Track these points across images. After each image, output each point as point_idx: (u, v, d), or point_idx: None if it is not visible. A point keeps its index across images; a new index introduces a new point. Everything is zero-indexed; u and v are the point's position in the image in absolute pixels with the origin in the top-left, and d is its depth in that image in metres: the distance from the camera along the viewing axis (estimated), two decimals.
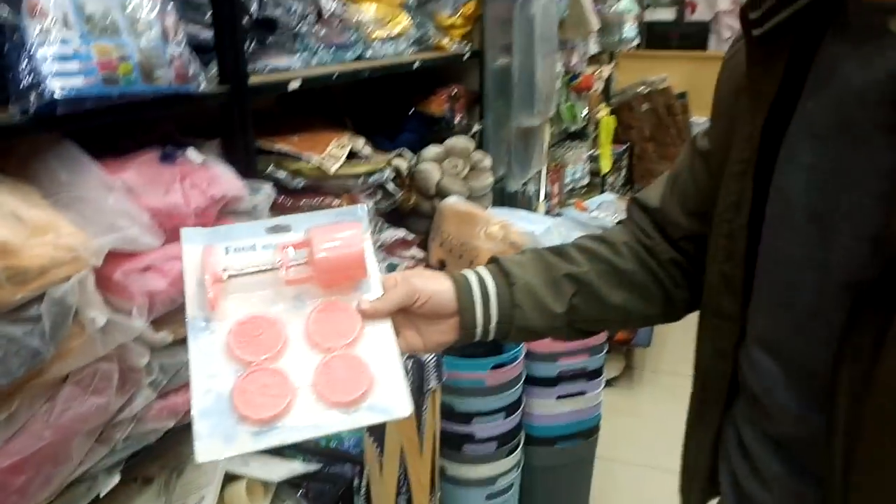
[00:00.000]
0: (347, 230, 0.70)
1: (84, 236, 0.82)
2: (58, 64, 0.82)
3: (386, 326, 0.70)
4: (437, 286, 0.76)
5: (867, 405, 0.52)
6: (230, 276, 0.67)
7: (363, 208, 0.75)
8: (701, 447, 0.77)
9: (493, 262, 0.82)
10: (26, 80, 0.81)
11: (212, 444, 0.60)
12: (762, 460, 0.67)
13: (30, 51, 0.81)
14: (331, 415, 0.63)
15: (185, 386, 1.08)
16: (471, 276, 0.79)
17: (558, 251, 0.83)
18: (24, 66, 0.81)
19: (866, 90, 0.54)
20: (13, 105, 0.82)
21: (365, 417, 0.64)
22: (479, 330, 0.78)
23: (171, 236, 1.00)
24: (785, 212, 0.61)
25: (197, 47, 1.13)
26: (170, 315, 1.00)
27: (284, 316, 0.68)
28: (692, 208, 0.79)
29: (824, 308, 0.57)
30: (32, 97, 0.80)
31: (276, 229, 0.72)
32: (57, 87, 0.81)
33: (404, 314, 0.73)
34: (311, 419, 0.63)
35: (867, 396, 0.52)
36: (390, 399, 0.65)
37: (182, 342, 1.05)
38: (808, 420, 0.60)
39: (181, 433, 1.17)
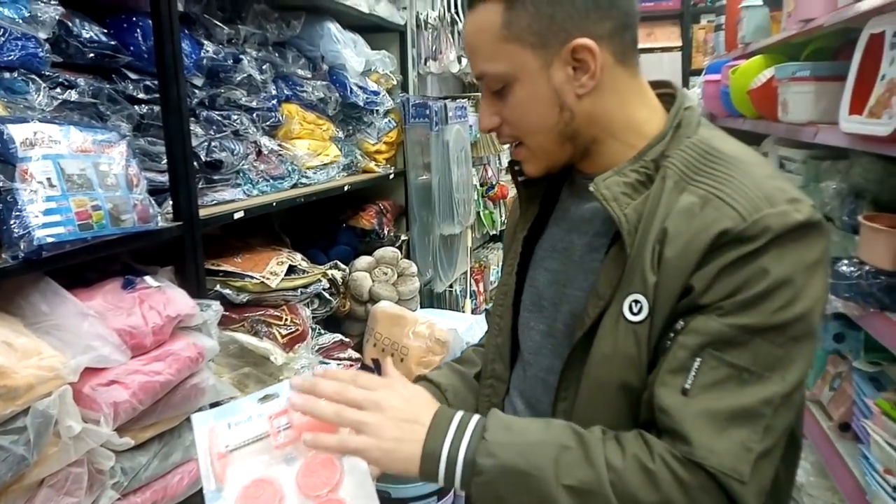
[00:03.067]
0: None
1: (63, 357, 0.99)
2: (44, 217, 1.01)
3: (362, 466, 0.82)
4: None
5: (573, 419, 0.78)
6: (231, 451, 0.84)
7: (287, 384, 0.90)
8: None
9: (423, 378, 1.00)
10: (17, 232, 0.99)
11: None
12: None
13: (21, 208, 0.99)
14: None
15: (143, 487, 1.21)
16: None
17: (460, 360, 1.06)
18: (14, 221, 0.99)
19: (580, 224, 0.85)
20: (5, 252, 0.99)
21: None
22: None
23: (133, 352, 1.17)
24: (536, 299, 0.89)
25: (153, 189, 1.34)
26: (130, 422, 1.15)
27: (279, 475, 0.83)
28: None
29: (554, 366, 0.84)
30: (22, 245, 0.98)
31: (266, 398, 0.87)
32: (44, 235, 0.99)
33: None
34: None
35: (571, 417, 0.79)
36: None
37: (140, 447, 1.20)
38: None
39: None
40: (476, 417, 0.76)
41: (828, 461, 1.72)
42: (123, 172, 1.19)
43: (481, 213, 3.13)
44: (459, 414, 0.76)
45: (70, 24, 1.18)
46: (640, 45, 0.84)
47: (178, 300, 1.28)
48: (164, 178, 1.37)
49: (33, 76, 1.11)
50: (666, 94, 0.85)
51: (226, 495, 0.81)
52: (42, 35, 1.08)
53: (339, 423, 0.77)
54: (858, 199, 1.68)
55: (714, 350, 0.69)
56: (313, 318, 1.84)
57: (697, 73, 4.72)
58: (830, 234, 1.67)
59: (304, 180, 1.89)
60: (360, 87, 2.14)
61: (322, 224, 2.31)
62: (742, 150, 0.79)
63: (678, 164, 0.76)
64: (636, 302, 0.74)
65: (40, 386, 0.94)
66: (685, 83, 5.22)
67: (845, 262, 1.45)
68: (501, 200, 3.26)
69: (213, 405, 1.39)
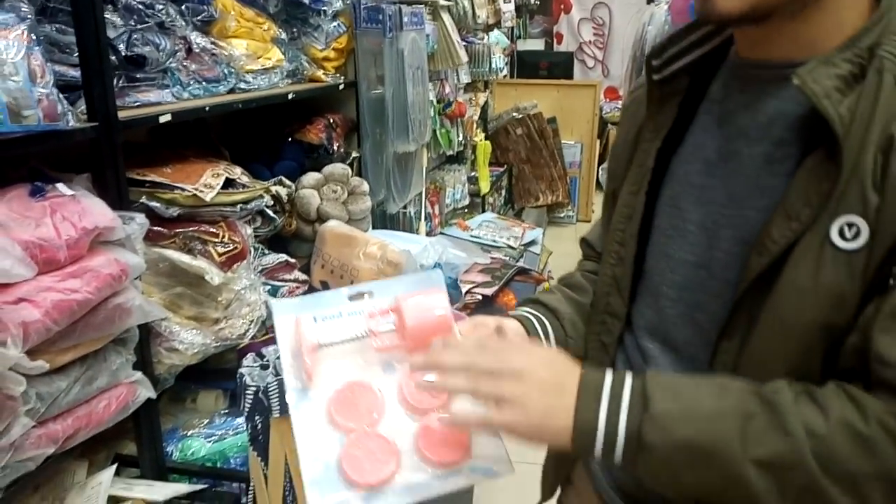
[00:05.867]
0: (433, 297, 0.75)
1: None
2: None
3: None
4: (507, 324, 0.81)
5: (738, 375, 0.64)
6: (322, 346, 0.71)
7: (439, 273, 0.79)
8: None
9: (535, 301, 0.89)
10: None
11: None
12: None
13: None
14: (436, 476, 0.66)
15: (64, 413, 1.12)
16: (527, 314, 0.85)
17: (570, 284, 0.93)
18: None
19: (750, 130, 0.69)
20: None
21: (468, 477, 0.67)
22: None
23: (44, 268, 1.04)
24: (678, 223, 0.75)
25: (66, 85, 1.18)
26: (45, 344, 1.04)
27: (377, 381, 0.71)
28: None
29: (708, 303, 0.71)
30: None
31: (357, 296, 0.76)
32: None
33: None
34: (417, 481, 0.66)
35: (737, 369, 0.66)
36: (491, 458, 0.68)
37: (59, 370, 1.10)
38: None
39: (62, 460, 1.19)
40: (629, 380, 0.64)
41: None
42: (24, 62, 1.02)
43: (437, 132, 2.99)
44: (609, 377, 0.64)
45: None
46: None
47: (95, 211, 1.15)
48: (77, 73, 1.21)
49: None
50: None
51: (314, 396, 0.69)
52: None
53: (476, 397, 0.64)
54: None
55: None
56: (256, 237, 1.72)
57: None
58: None
59: (242, 85, 1.72)
60: None
61: (266, 137, 2.15)
62: None
63: None
64: (850, 225, 0.59)
65: None
66: None
67: None
68: (459, 119, 3.12)
69: (142, 327, 1.29)
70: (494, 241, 3.10)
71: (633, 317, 0.81)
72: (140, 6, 1.36)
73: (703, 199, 0.72)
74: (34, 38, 1.06)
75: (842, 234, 0.60)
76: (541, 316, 0.86)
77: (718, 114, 0.74)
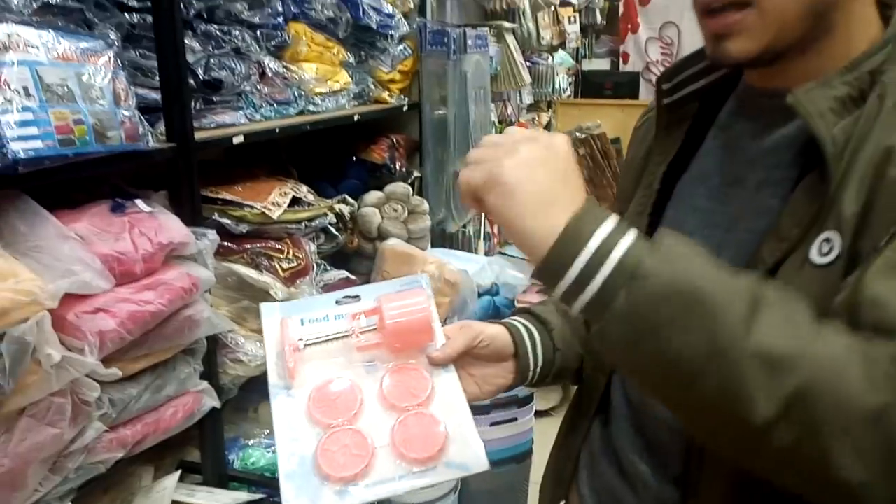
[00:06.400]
0: (414, 297, 0.76)
1: (41, 281, 0.92)
2: (19, 129, 0.92)
3: (455, 384, 0.73)
4: (494, 330, 0.81)
5: None
6: (306, 345, 0.73)
7: (425, 278, 0.82)
8: (570, 455, 0.87)
9: (527, 311, 0.89)
10: None
11: (298, 501, 0.64)
12: (631, 463, 0.78)
13: None
14: (409, 472, 0.67)
15: (134, 419, 1.17)
16: (516, 323, 0.85)
17: None
18: None
19: (755, 157, 0.70)
20: None
21: (443, 474, 0.68)
22: (531, 373, 0.82)
23: (121, 280, 1.10)
24: None
25: (146, 107, 1.25)
26: (119, 352, 1.09)
27: (358, 380, 0.73)
28: None
29: None
30: None
31: (345, 300, 0.78)
32: (19, 149, 0.91)
33: (464, 361, 0.78)
34: (391, 477, 0.67)
35: None
36: (466, 455, 0.69)
37: (131, 378, 1.15)
38: (678, 427, 0.70)
39: (130, 464, 1.25)
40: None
41: None
42: (110, 85, 1.09)
43: None
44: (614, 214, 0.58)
45: None
46: None
47: (171, 227, 1.21)
48: (158, 95, 1.28)
49: None
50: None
51: (296, 394, 0.71)
52: None
53: (478, 165, 0.59)
54: None
55: None
56: (319, 253, 1.76)
57: None
58: None
59: (311, 107, 1.78)
60: (374, 9, 2.00)
61: (331, 156, 2.22)
62: None
63: None
64: (827, 240, 0.59)
65: (16, 311, 0.88)
66: None
67: None
68: None
69: (209, 339, 1.34)
70: None
71: None
72: (218, 32, 1.43)
73: (707, 223, 0.72)
74: (119, 63, 1.14)
75: (820, 250, 0.59)
76: (529, 325, 0.85)
77: (725, 140, 0.74)
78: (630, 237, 0.55)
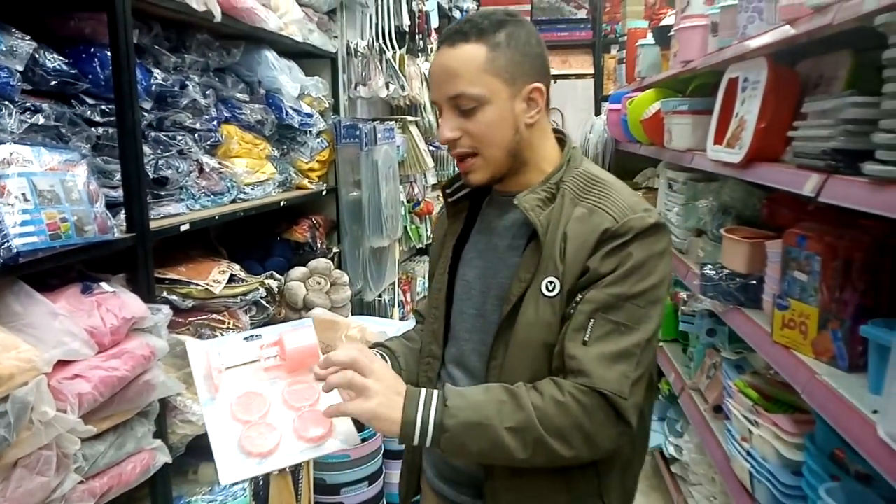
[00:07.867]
0: (305, 332, 1.09)
1: (38, 351, 1.12)
2: (20, 227, 1.14)
3: (334, 391, 1.01)
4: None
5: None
6: (227, 368, 1.04)
7: (308, 320, 1.14)
8: (416, 450, 1.26)
9: (381, 345, 1.24)
10: None
11: (231, 471, 0.94)
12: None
13: (0, 220, 1.12)
14: (308, 447, 0.99)
15: (101, 473, 1.34)
16: (377, 351, 1.19)
17: (407, 336, 1.31)
18: None
19: (501, 231, 1.13)
20: None
21: (331, 446, 1.01)
22: None
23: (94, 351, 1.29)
24: (467, 290, 1.16)
25: (109, 203, 1.47)
26: (89, 414, 1.28)
27: (265, 391, 1.03)
28: None
29: (485, 338, 1.10)
30: (1, 252, 1.11)
31: (251, 338, 1.09)
32: (20, 244, 1.12)
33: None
34: (295, 450, 0.98)
35: (501, 377, 1.04)
36: (344, 434, 1.02)
37: (98, 436, 1.33)
38: None
39: None
40: (435, 392, 0.99)
41: (704, 440, 2.01)
42: (85, 189, 1.32)
43: (408, 228, 3.33)
44: (425, 391, 0.99)
45: (37, 56, 1.31)
46: (557, 72, 1.17)
47: (131, 304, 1.42)
48: (117, 193, 1.51)
49: (6, 102, 1.23)
50: (558, 136, 1.16)
51: (219, 402, 1.01)
52: (18, 67, 1.21)
53: (348, 387, 0.97)
54: (726, 214, 1.99)
55: (602, 313, 0.99)
56: (252, 324, 1.98)
57: (608, 98, 5.11)
58: (705, 244, 1.97)
59: (242, 196, 2.04)
60: (295, 110, 2.31)
61: (258, 237, 2.45)
62: (611, 177, 1.11)
63: (572, 186, 1.07)
64: (551, 282, 1.02)
65: (19, 376, 1.07)
66: (597, 108, 5.61)
67: (710, 266, 1.74)
68: (427, 216, 3.47)
69: (161, 401, 1.52)
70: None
71: (445, 356, 1.19)
72: (166, 138, 1.68)
73: (481, 274, 1.14)
74: (90, 169, 1.37)
75: (547, 288, 1.03)
76: (384, 354, 1.21)
77: (485, 223, 1.18)
78: (433, 408, 0.97)
